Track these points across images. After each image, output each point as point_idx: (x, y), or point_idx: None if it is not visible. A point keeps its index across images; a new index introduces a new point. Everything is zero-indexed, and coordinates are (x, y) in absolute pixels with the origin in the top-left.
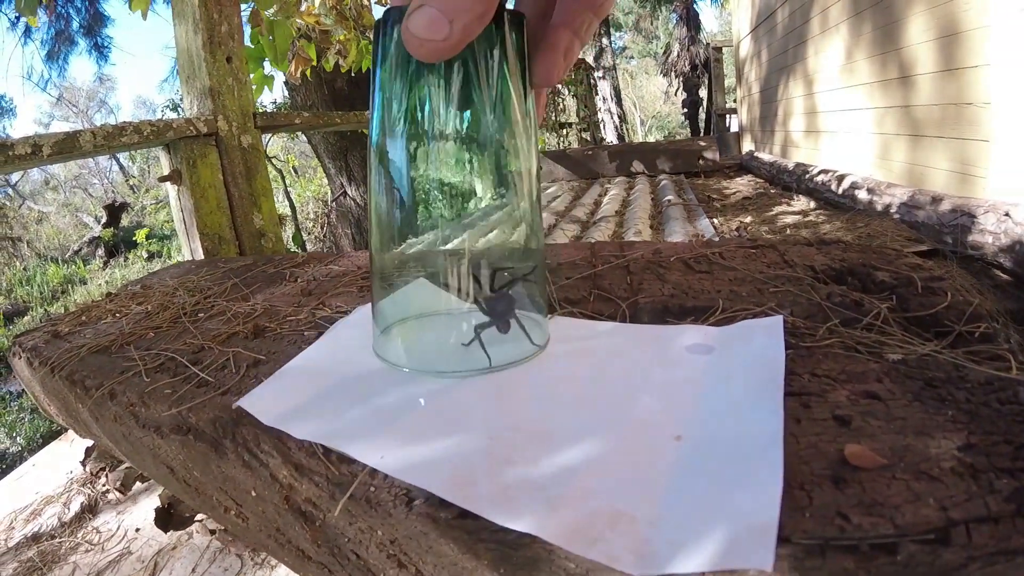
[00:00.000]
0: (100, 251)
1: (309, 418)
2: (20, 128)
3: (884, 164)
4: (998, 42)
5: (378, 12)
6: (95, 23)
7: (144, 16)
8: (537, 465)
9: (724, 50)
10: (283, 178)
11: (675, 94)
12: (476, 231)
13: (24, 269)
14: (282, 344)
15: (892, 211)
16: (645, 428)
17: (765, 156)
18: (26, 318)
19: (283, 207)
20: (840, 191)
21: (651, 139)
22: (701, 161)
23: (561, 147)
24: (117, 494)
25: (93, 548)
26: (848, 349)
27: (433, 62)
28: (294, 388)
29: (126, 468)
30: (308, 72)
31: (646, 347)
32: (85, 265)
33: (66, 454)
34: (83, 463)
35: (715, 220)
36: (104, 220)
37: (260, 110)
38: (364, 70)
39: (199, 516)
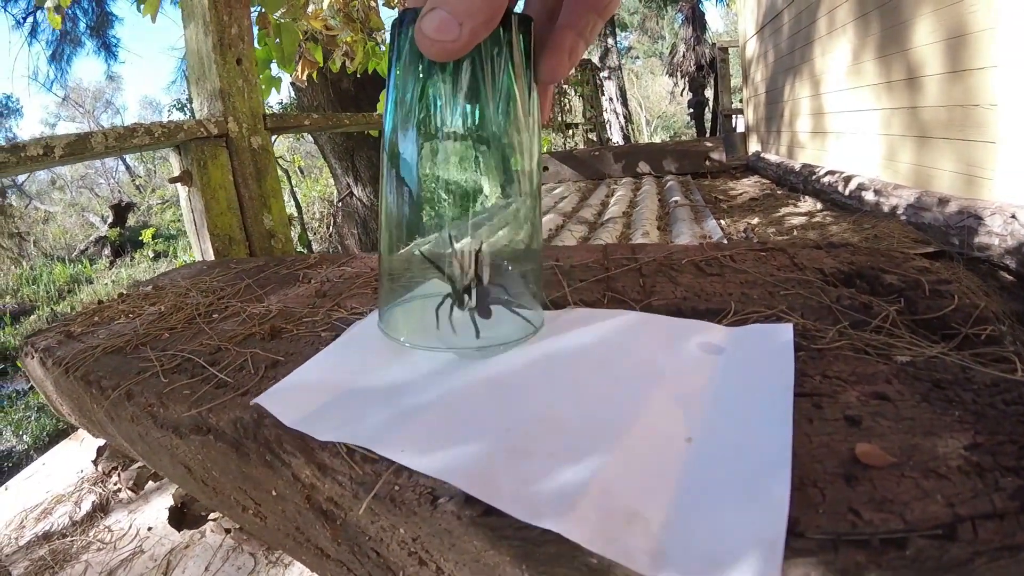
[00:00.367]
0: (106, 250)
1: (330, 419)
2: (27, 128)
3: (891, 165)
4: (1005, 44)
5: (385, 14)
6: (102, 23)
7: (153, 19)
8: (555, 459)
9: (730, 50)
10: (289, 178)
11: (680, 94)
12: (480, 220)
13: (30, 268)
14: (299, 345)
15: (899, 212)
16: (657, 427)
17: (772, 157)
18: (32, 317)
19: (289, 207)
20: (847, 192)
21: (656, 139)
22: (708, 162)
23: (567, 148)
24: (129, 493)
25: (105, 547)
26: (858, 351)
27: (443, 61)
28: (312, 389)
29: (139, 467)
30: (314, 74)
31: (658, 339)
32: (91, 264)
33: (76, 453)
34: (95, 462)
35: (722, 221)
36: (110, 220)
37: (268, 111)
38: (370, 71)
39: (213, 515)
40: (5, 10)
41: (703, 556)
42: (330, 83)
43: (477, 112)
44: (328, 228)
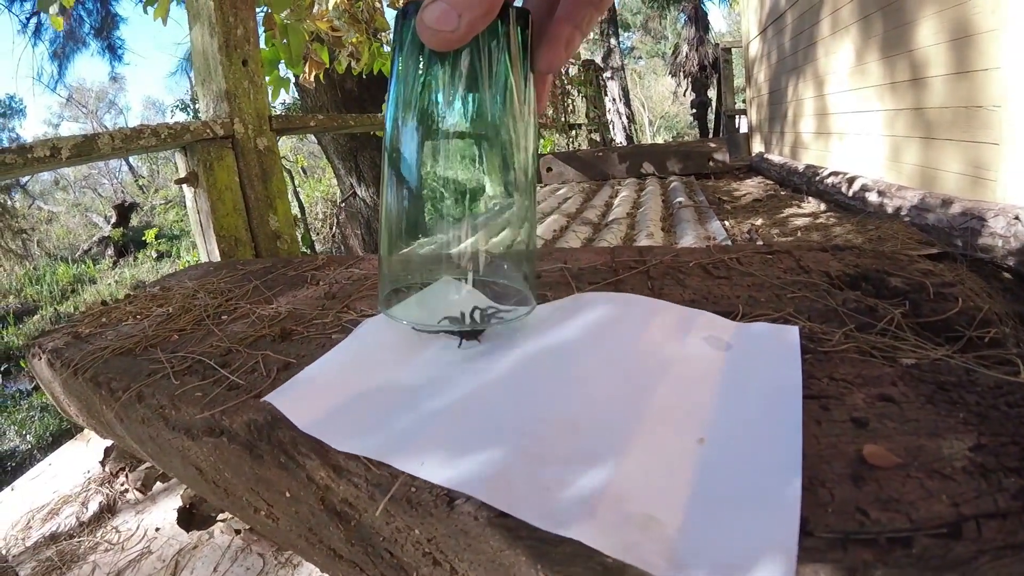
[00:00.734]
0: (110, 250)
1: (345, 428)
2: (30, 128)
3: (895, 166)
4: (1009, 45)
5: (390, 15)
6: (107, 24)
7: (164, 22)
8: (571, 465)
9: (733, 51)
10: (292, 178)
11: (683, 94)
12: (478, 207)
13: (34, 268)
14: (310, 347)
15: (903, 214)
16: (668, 426)
17: (775, 158)
18: (36, 317)
19: (292, 208)
20: (851, 193)
21: (659, 139)
22: (711, 163)
23: (571, 148)
24: (137, 494)
25: (113, 548)
26: (863, 354)
27: (442, 51)
28: (324, 389)
29: (147, 468)
30: (321, 75)
31: (666, 329)
32: (95, 264)
33: (83, 454)
34: (102, 463)
35: (726, 222)
36: (114, 220)
37: (273, 112)
38: (375, 72)
39: (222, 516)
40: (9, 11)
41: (717, 560)
42: (334, 84)
43: (476, 101)
44: (331, 228)
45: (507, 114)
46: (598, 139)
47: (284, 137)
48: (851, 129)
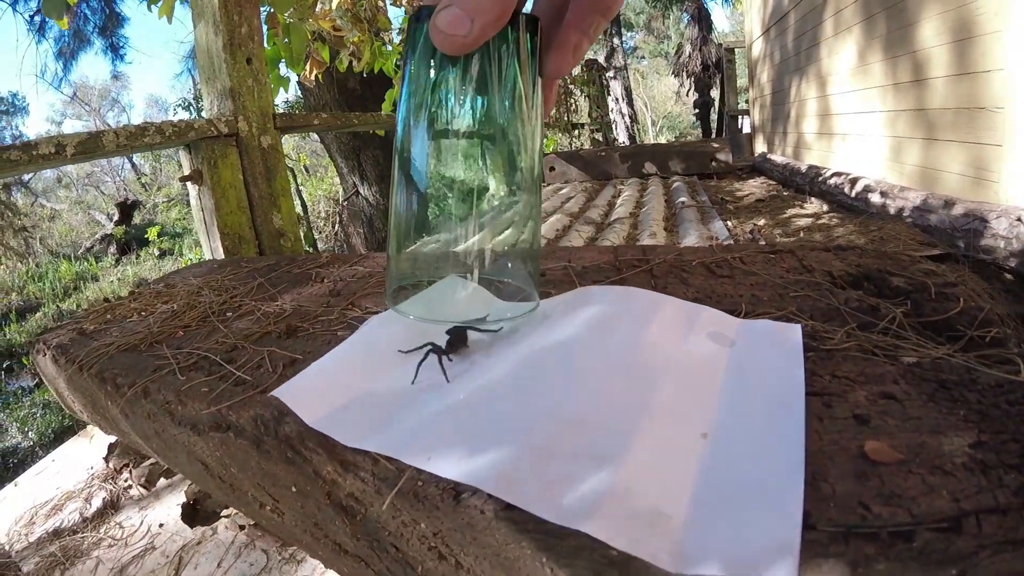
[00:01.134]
0: (112, 248)
1: (353, 424)
2: (32, 126)
3: (896, 167)
4: (1013, 47)
5: (392, 14)
6: (111, 23)
7: (169, 20)
8: (578, 460)
9: (736, 51)
10: (294, 177)
11: (686, 94)
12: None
13: (36, 266)
14: (316, 344)
15: (905, 215)
16: (672, 422)
17: (778, 158)
18: (38, 314)
19: (295, 206)
20: (853, 194)
21: (662, 139)
22: (714, 163)
23: (573, 148)
24: (141, 490)
25: (116, 543)
26: (866, 352)
27: (454, 55)
28: (332, 385)
29: (151, 464)
30: (321, 75)
31: (670, 324)
32: (97, 262)
33: (86, 450)
34: (106, 459)
35: (729, 222)
36: (116, 218)
37: (277, 111)
38: (376, 71)
39: (226, 511)
40: (15, 10)
41: (722, 555)
42: (336, 82)
43: (484, 103)
44: (333, 227)
45: (515, 117)
46: (601, 139)
47: (287, 136)
48: (853, 130)
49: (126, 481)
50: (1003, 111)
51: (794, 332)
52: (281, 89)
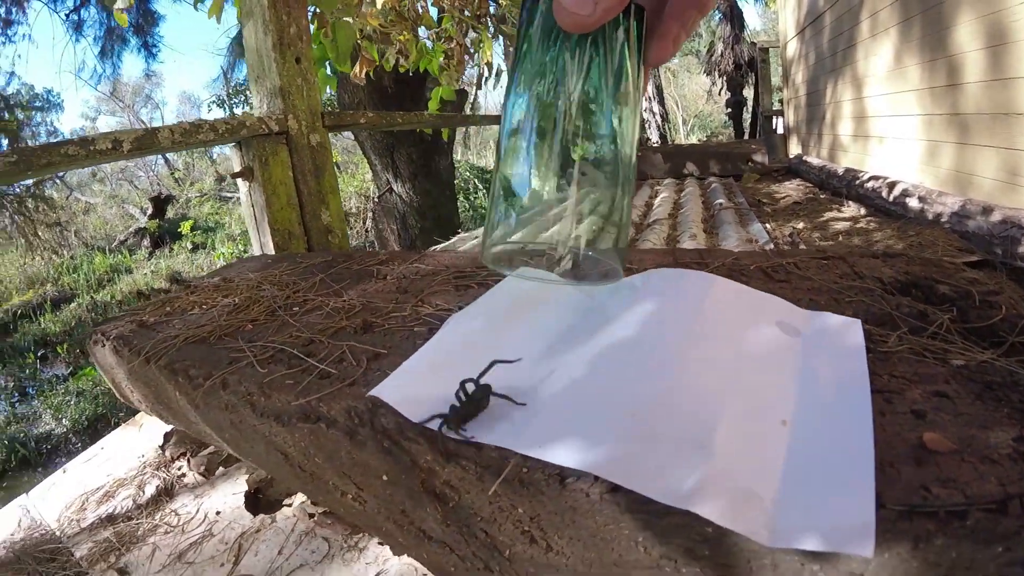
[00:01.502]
0: (145, 241)
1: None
2: (67, 122)
3: (931, 170)
4: None
5: (435, 13)
6: (147, 21)
7: (219, 20)
8: (680, 444)
9: (770, 50)
10: None
11: (718, 93)
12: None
13: (71, 258)
14: (395, 339)
15: (943, 220)
16: (755, 408)
17: (814, 160)
18: (72, 304)
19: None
20: (891, 198)
21: (693, 139)
22: (750, 164)
23: None
24: (197, 478)
25: (173, 530)
26: (917, 354)
27: (574, 32)
28: (429, 383)
29: (209, 453)
30: (371, 72)
31: (744, 313)
32: (131, 255)
33: (135, 439)
34: (162, 448)
35: (767, 224)
36: (150, 211)
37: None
38: (421, 70)
39: (288, 500)
40: (53, 10)
41: (810, 532)
42: (371, 82)
43: (595, 81)
44: (364, 223)
45: (621, 97)
46: None
47: None
48: (889, 132)
49: (179, 470)
50: None
51: (855, 327)
52: (332, 90)
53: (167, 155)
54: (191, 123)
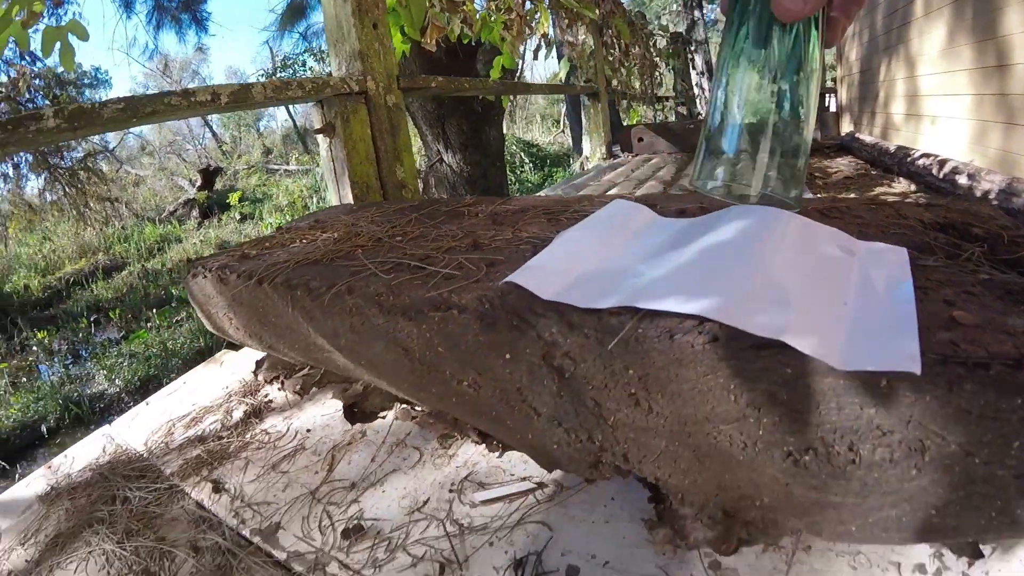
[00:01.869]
0: (194, 212)
1: (586, 290)
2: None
3: (980, 149)
4: None
5: None
6: None
7: None
8: (771, 302)
9: None
10: None
11: None
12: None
13: (122, 228)
14: (505, 253)
15: (991, 196)
16: (823, 292)
17: (866, 138)
18: (124, 272)
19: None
20: (941, 175)
21: None
22: None
23: (657, 121)
24: (291, 396)
25: (264, 446)
26: (950, 268)
27: (787, 21)
28: (561, 268)
29: (304, 374)
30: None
31: (813, 235)
32: (180, 225)
33: (218, 374)
34: (255, 372)
35: (819, 196)
36: (199, 183)
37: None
38: (484, 40)
39: (382, 413)
40: None
41: (871, 358)
42: (424, 52)
43: (796, 60)
44: (413, 194)
45: (810, 72)
46: (684, 112)
47: None
48: (940, 112)
49: (266, 396)
50: None
51: (902, 251)
52: (407, 55)
53: (215, 129)
54: (281, 80)
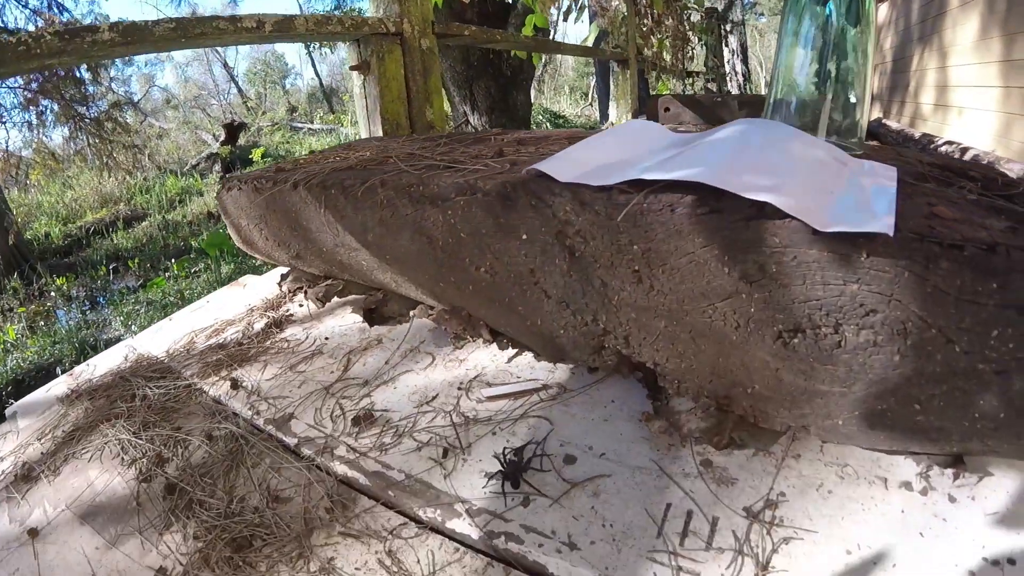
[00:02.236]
0: (217, 166)
1: (602, 174)
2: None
3: (1004, 142)
4: None
5: None
6: None
7: None
8: (760, 171)
9: None
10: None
11: None
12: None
13: (144, 179)
14: (531, 159)
15: None
16: (812, 181)
17: (892, 124)
18: (144, 223)
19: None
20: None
21: None
22: None
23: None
24: (312, 308)
25: (283, 352)
26: (940, 188)
27: None
28: (583, 158)
29: (326, 284)
30: None
31: (807, 142)
32: (202, 178)
33: (241, 294)
34: (279, 284)
35: None
36: (222, 138)
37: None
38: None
39: (400, 318)
40: None
41: (850, 222)
42: (454, 14)
43: (853, 23)
44: None
45: (867, 27)
46: (714, 89)
47: None
48: (968, 103)
49: (287, 311)
50: None
51: (892, 169)
52: (439, 6)
53: (240, 85)
54: (323, 15)
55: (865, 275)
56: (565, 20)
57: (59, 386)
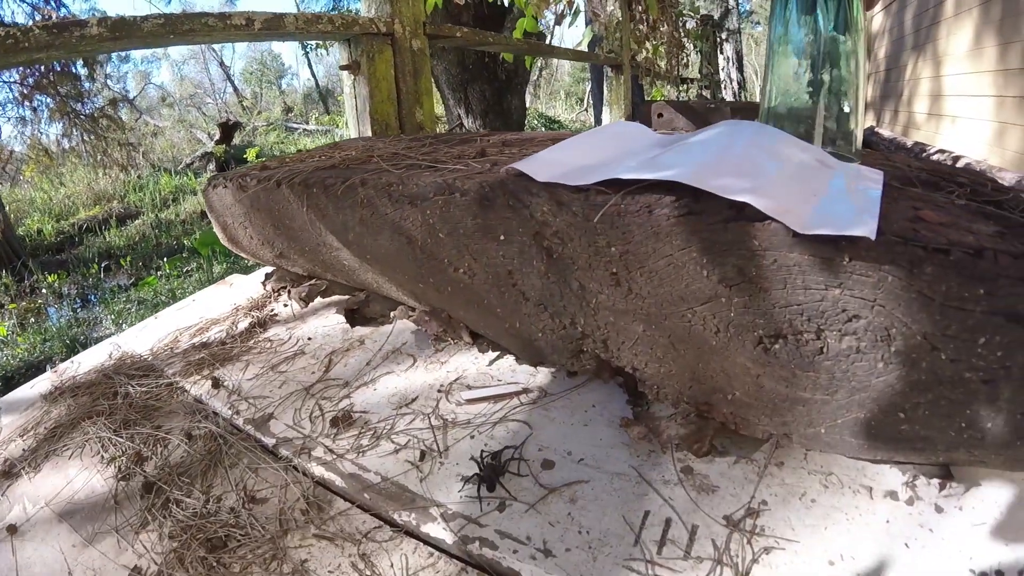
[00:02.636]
0: (211, 165)
1: (579, 175)
2: (137, 52)
3: (998, 151)
4: None
5: None
6: None
7: None
8: (742, 174)
9: None
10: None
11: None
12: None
13: (138, 177)
14: (511, 160)
15: None
16: (797, 187)
17: (885, 132)
18: (137, 221)
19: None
20: None
21: None
22: None
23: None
24: (295, 308)
25: (266, 351)
26: (927, 192)
27: None
28: (562, 158)
29: (310, 284)
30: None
31: (793, 144)
32: (196, 177)
33: (227, 293)
34: (264, 283)
35: None
36: (217, 137)
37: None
38: (508, 2)
39: (381, 319)
40: None
41: (831, 224)
42: (451, 16)
43: (842, 28)
44: None
45: (856, 34)
46: (709, 96)
47: None
48: (962, 112)
49: (271, 311)
50: None
51: (879, 173)
52: (439, 6)
53: (236, 84)
54: (313, 14)
55: (847, 279)
56: (559, 24)
57: (44, 383)
